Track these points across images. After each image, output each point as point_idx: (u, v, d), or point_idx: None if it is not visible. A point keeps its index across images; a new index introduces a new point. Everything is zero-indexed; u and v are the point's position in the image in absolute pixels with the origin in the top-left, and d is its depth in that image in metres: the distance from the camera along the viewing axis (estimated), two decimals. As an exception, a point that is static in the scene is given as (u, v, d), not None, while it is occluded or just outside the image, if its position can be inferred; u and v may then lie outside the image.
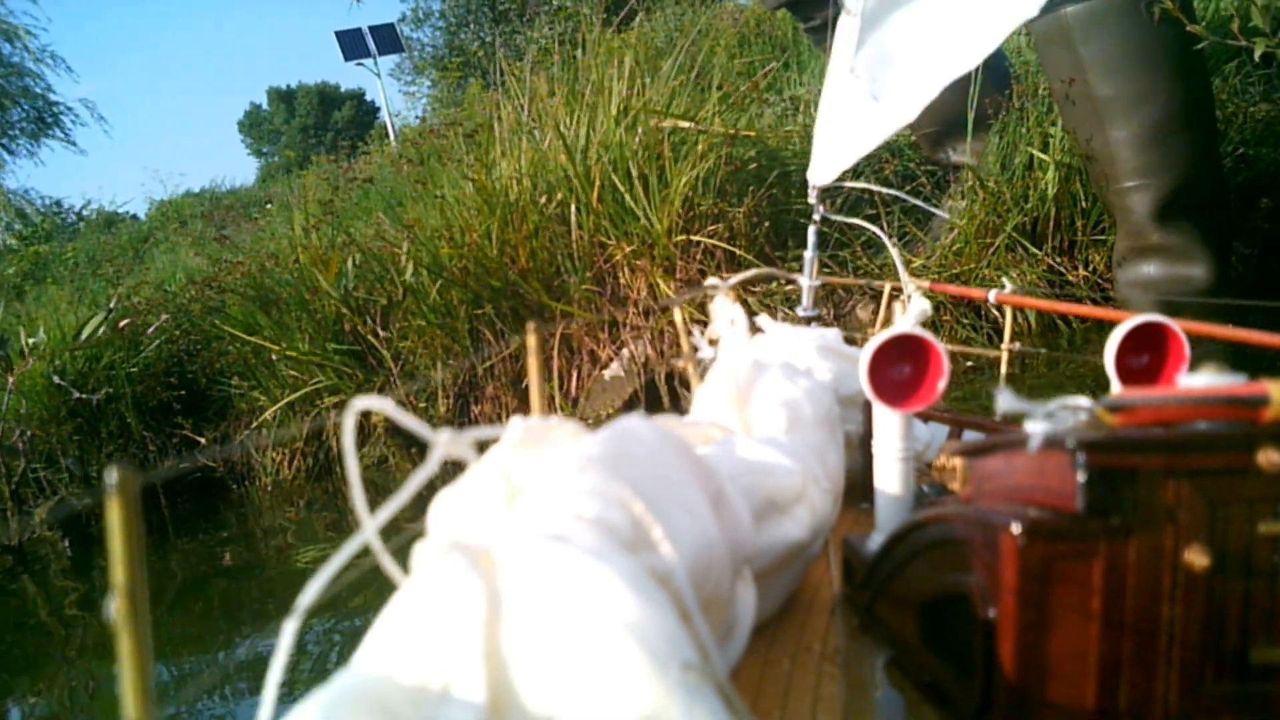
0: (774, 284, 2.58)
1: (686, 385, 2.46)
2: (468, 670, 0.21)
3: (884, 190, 2.29)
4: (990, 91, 2.64)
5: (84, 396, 2.91)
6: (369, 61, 8.47)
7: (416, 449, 2.71)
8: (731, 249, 2.73)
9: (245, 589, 2.04)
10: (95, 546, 2.52)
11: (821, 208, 1.08)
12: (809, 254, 1.07)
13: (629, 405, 2.69)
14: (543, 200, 2.94)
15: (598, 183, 2.79)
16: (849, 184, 1.45)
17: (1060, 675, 0.30)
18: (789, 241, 2.85)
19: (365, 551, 0.24)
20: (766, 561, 0.42)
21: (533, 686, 0.21)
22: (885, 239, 1.08)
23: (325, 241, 3.20)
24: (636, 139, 2.83)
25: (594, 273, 2.85)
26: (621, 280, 2.84)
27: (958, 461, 0.43)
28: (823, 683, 0.40)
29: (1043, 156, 2.65)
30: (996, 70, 2.77)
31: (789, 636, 0.45)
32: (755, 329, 0.79)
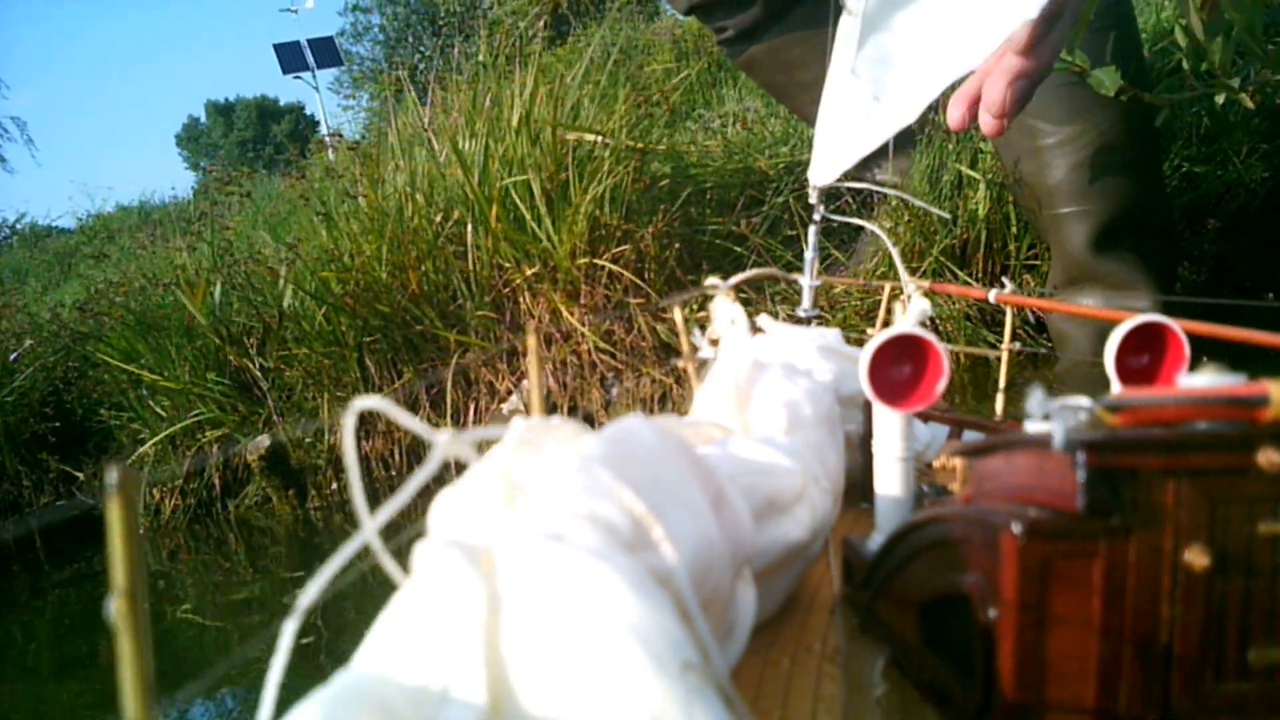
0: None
1: (591, 420, 2.33)
2: (468, 670, 0.21)
3: (886, 190, 2.23)
4: None
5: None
6: (307, 75, 8.32)
7: (294, 490, 2.58)
8: (636, 278, 2.49)
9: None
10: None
11: (822, 208, 1.08)
12: (809, 254, 1.07)
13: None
14: (438, 219, 2.70)
15: (496, 201, 2.57)
16: (850, 184, 1.43)
17: (1060, 675, 0.30)
18: (703, 264, 2.66)
19: (365, 551, 0.24)
20: (766, 561, 0.42)
21: (533, 687, 0.21)
22: (885, 239, 1.08)
23: (197, 262, 2.97)
24: (538, 153, 2.61)
25: (492, 298, 2.62)
26: (522, 306, 2.61)
27: (958, 461, 0.43)
28: (823, 683, 0.40)
29: (972, 174, 2.43)
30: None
31: (789, 636, 0.45)
32: (755, 329, 0.79)
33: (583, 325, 2.57)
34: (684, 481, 0.30)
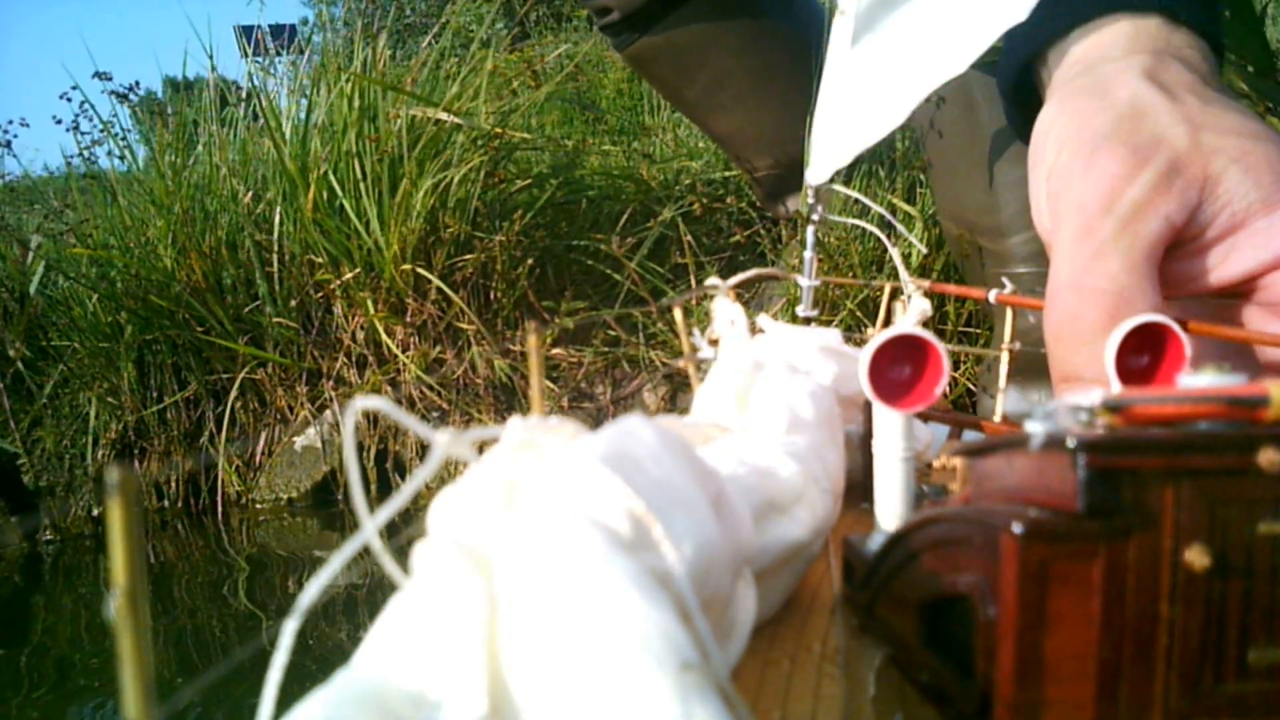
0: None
1: (403, 471, 2.04)
2: (468, 670, 0.21)
3: (874, 206, 2.04)
4: None
5: None
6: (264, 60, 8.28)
7: (23, 514, 2.12)
8: (463, 301, 2.01)
9: None
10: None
11: (820, 207, 1.08)
12: (808, 254, 1.07)
13: (320, 489, 2.08)
14: (246, 198, 2.18)
15: (315, 182, 2.04)
16: (841, 188, 1.40)
17: (1060, 676, 0.30)
18: (566, 290, 2.18)
19: (365, 551, 0.24)
20: (766, 561, 0.42)
21: (533, 687, 0.21)
22: (885, 240, 1.08)
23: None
24: (372, 128, 2.08)
25: (299, 302, 2.14)
26: (335, 315, 2.13)
27: (958, 461, 0.43)
28: (823, 683, 0.40)
29: (908, 209, 1.91)
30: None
31: (789, 636, 0.45)
32: (755, 329, 0.79)
33: (405, 349, 2.05)
34: (684, 481, 0.30)
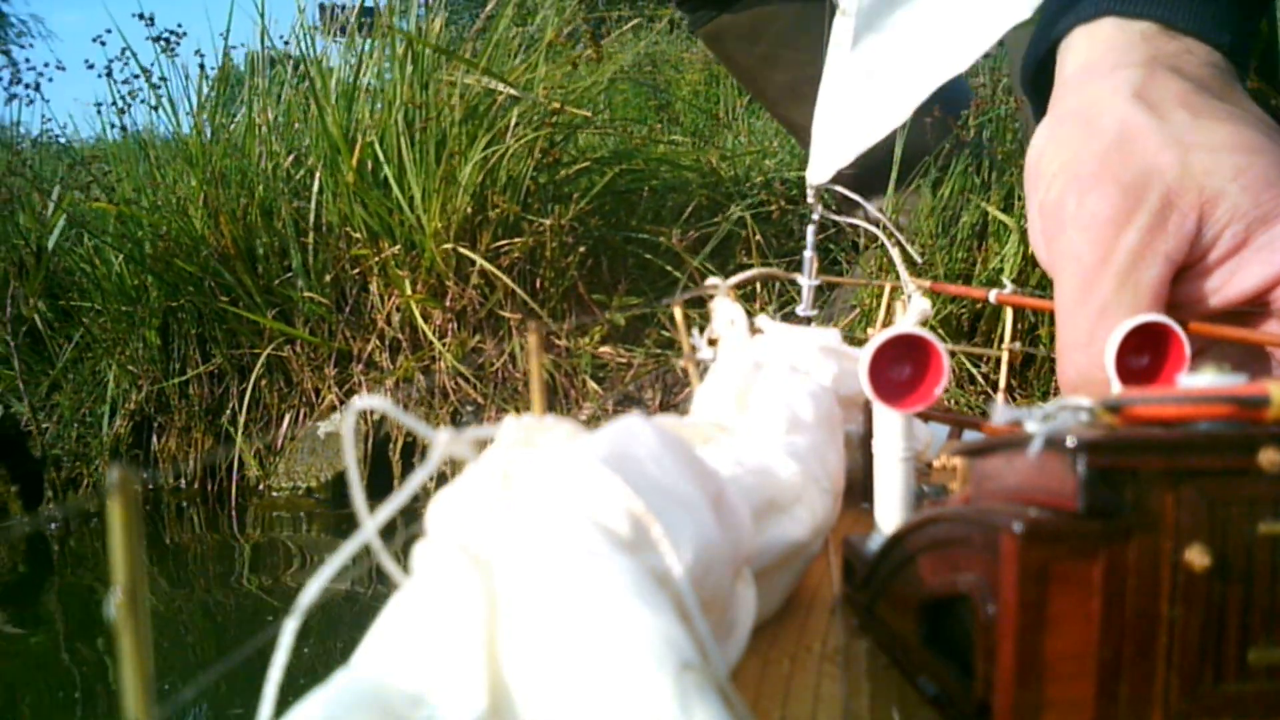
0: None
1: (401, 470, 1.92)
2: (468, 670, 0.21)
3: (873, 211, 1.95)
4: (934, 111, 1.71)
5: None
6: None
7: (25, 485, 2.05)
8: (514, 286, 1.85)
9: None
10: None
11: (820, 207, 1.08)
12: (808, 253, 1.07)
13: (341, 481, 1.96)
14: (287, 161, 2.05)
15: (359, 151, 1.89)
16: (841, 189, 1.38)
17: (1060, 676, 0.30)
18: (620, 283, 2.02)
19: (365, 551, 0.24)
20: (766, 561, 0.42)
21: (532, 687, 0.21)
22: (885, 240, 1.08)
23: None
24: (423, 94, 1.90)
25: (333, 278, 2.00)
26: (370, 294, 1.99)
27: (958, 461, 0.43)
28: (823, 683, 0.40)
29: (1004, 219, 1.74)
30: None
31: (789, 636, 0.45)
32: (755, 329, 0.79)
33: (442, 336, 1.91)
34: (684, 481, 0.30)
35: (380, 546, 0.24)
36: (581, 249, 1.96)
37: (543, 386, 0.32)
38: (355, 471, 0.25)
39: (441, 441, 0.26)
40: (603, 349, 1.98)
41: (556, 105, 1.95)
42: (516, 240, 1.90)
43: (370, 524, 0.24)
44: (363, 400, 0.25)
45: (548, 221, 1.88)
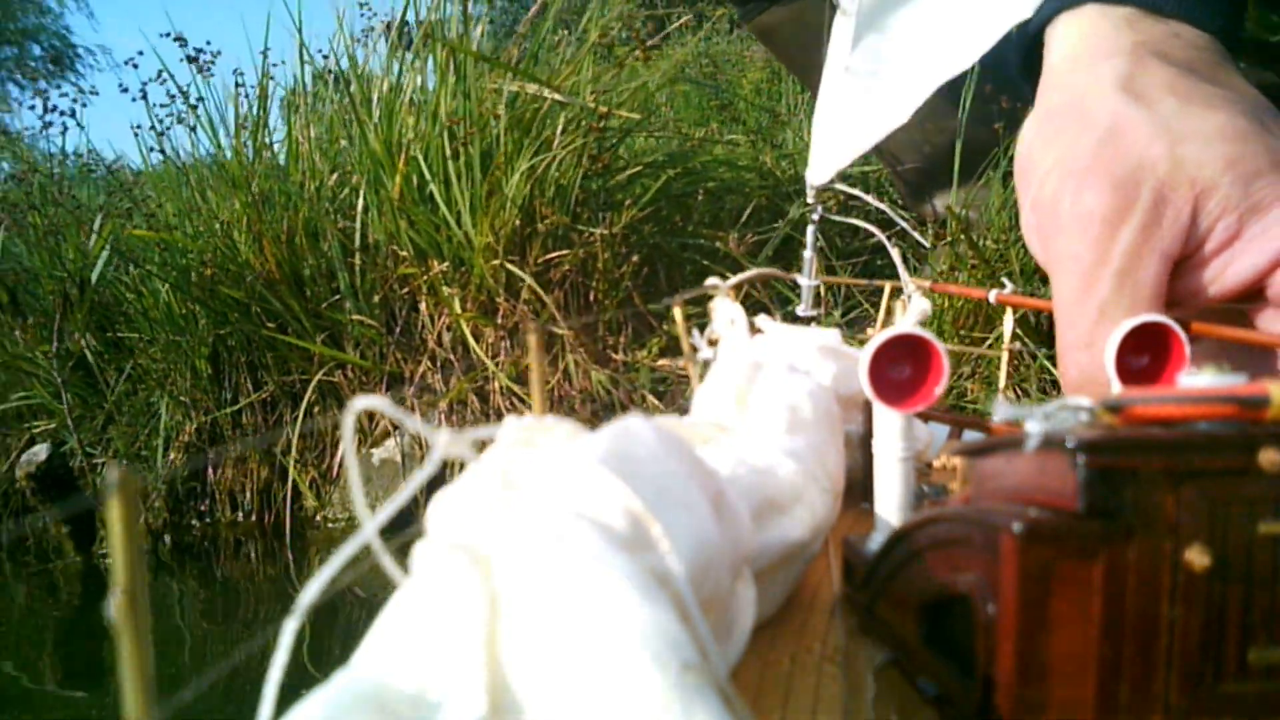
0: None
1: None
2: (468, 670, 0.21)
3: (874, 202, 1.92)
4: (1004, 96, 1.66)
5: None
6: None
7: (78, 527, 1.97)
8: (571, 300, 1.77)
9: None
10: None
11: (820, 207, 1.08)
12: (808, 253, 1.07)
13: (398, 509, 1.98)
14: (331, 180, 2.01)
15: (402, 167, 1.83)
16: (842, 187, 1.36)
17: (1060, 676, 0.30)
18: (677, 292, 1.97)
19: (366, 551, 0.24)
20: (766, 561, 0.42)
21: (532, 687, 0.21)
22: (885, 240, 1.08)
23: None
24: (468, 104, 1.84)
25: (381, 298, 1.94)
26: (421, 314, 1.93)
27: (958, 461, 0.43)
28: (823, 683, 0.40)
29: None
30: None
31: (789, 636, 0.45)
32: (755, 329, 0.79)
33: (494, 354, 1.83)
34: (684, 481, 0.30)
35: (380, 547, 0.24)
36: (635, 258, 1.88)
37: (543, 386, 0.32)
38: (355, 471, 0.25)
39: (441, 442, 0.26)
40: (661, 361, 1.88)
41: (604, 110, 1.88)
42: (566, 252, 1.83)
43: (370, 524, 0.24)
44: (363, 400, 0.25)
45: (599, 231, 1.81)
